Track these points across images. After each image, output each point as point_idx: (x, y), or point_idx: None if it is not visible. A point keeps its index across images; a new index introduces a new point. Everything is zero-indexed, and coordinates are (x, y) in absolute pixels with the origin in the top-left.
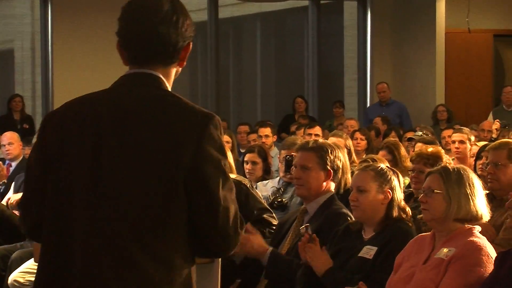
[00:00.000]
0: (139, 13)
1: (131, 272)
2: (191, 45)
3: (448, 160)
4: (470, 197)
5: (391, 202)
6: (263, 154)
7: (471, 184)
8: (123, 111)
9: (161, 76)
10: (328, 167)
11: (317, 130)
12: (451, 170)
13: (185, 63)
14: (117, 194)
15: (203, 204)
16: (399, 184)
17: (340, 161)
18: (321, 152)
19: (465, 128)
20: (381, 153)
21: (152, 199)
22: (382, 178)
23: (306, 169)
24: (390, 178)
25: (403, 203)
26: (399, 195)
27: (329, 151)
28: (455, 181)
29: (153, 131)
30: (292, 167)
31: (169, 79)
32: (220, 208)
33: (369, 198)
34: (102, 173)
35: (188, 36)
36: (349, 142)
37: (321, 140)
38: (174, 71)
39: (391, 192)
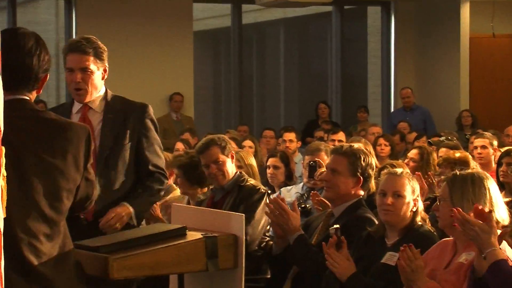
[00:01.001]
0: (9, 46)
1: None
2: (48, 77)
3: (475, 166)
4: (472, 201)
5: (417, 209)
6: (286, 159)
7: (477, 189)
8: (26, 131)
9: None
10: (358, 174)
11: (341, 136)
12: (458, 176)
13: (41, 91)
14: (38, 198)
15: (87, 191)
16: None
17: (373, 169)
18: (353, 158)
19: (487, 133)
20: (412, 151)
21: (63, 205)
22: (414, 185)
23: (335, 172)
24: (416, 185)
25: (423, 212)
26: (421, 203)
27: (362, 158)
28: (459, 187)
29: (58, 146)
30: (316, 172)
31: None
32: (95, 191)
33: (405, 204)
34: (25, 183)
35: (46, 69)
36: (369, 148)
37: (356, 145)
38: (34, 97)
39: (418, 200)
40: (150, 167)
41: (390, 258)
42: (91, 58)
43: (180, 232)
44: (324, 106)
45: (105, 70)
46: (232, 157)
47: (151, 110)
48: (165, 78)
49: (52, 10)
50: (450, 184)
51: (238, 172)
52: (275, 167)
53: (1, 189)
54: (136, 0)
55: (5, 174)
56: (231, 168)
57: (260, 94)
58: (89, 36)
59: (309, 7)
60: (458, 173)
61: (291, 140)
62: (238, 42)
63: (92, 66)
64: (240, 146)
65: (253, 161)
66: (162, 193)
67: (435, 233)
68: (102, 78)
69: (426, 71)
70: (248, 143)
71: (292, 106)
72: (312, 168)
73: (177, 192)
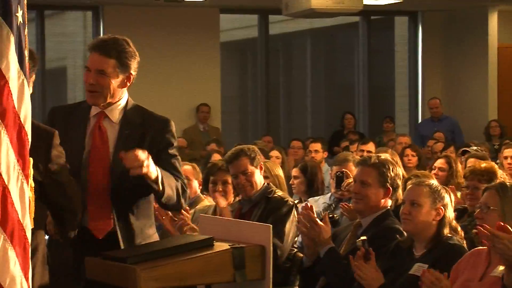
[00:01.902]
0: None
1: None
2: None
3: (502, 176)
4: None
5: (443, 219)
6: (305, 169)
7: None
8: None
9: None
10: (388, 185)
11: (371, 146)
12: (508, 186)
13: None
14: None
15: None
16: (450, 202)
17: (400, 179)
18: (382, 168)
19: None
20: (439, 161)
21: None
22: (435, 194)
23: (365, 184)
24: (443, 195)
25: (454, 222)
26: (451, 213)
27: (390, 169)
28: (511, 197)
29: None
30: (343, 183)
31: None
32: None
33: (422, 212)
34: None
35: None
36: (396, 158)
37: (383, 156)
38: None
39: (443, 209)
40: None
41: (418, 269)
42: (112, 62)
43: (208, 243)
44: (350, 117)
45: (128, 78)
46: (261, 168)
47: (172, 125)
48: (192, 89)
49: (80, 22)
50: (500, 193)
51: (266, 184)
52: (295, 177)
53: (29, 200)
54: (164, 11)
55: (33, 185)
56: (259, 179)
57: (287, 104)
58: (120, 37)
59: (336, 17)
60: (508, 183)
61: (316, 151)
62: (265, 52)
63: (111, 71)
64: (267, 157)
65: (280, 172)
66: (185, 194)
67: (464, 244)
68: (123, 86)
69: (454, 81)
70: (275, 153)
71: (319, 116)
72: (339, 178)
73: (205, 202)
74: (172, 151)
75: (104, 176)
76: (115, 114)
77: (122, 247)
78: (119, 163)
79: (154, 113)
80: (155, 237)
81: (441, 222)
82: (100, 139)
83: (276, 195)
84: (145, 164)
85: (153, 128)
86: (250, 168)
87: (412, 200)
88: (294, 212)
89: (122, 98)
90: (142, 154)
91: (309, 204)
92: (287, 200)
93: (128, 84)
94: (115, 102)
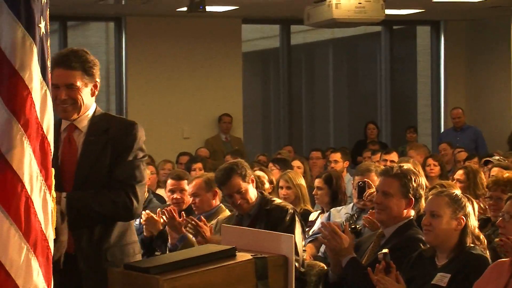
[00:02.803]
0: None
1: None
2: None
3: None
4: None
5: (465, 229)
6: (329, 180)
7: None
8: None
9: None
10: (410, 195)
11: (394, 156)
12: None
13: None
14: None
15: None
16: (473, 211)
17: (423, 189)
18: (404, 179)
19: None
20: (458, 172)
21: None
22: (456, 204)
23: (387, 195)
24: (465, 204)
25: (477, 230)
26: (473, 222)
27: (413, 179)
28: None
29: None
30: (365, 193)
31: None
32: None
33: (442, 223)
34: None
35: None
36: (418, 168)
37: (405, 166)
38: None
39: (464, 219)
40: (112, 182)
41: (440, 279)
42: (78, 74)
43: (230, 253)
44: (373, 127)
45: (95, 86)
46: (253, 181)
47: (137, 128)
48: (214, 99)
49: (102, 33)
50: None
51: (259, 193)
52: (319, 188)
53: (51, 211)
54: (185, 22)
55: (54, 195)
56: (253, 193)
57: (309, 114)
58: (79, 48)
59: (358, 27)
60: None
61: (336, 161)
62: (287, 62)
63: (79, 83)
64: (290, 167)
65: (302, 182)
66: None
67: (487, 254)
68: (92, 95)
69: (477, 91)
70: (296, 163)
71: (341, 126)
72: (361, 188)
73: (226, 213)
74: (131, 156)
75: (70, 183)
76: (84, 123)
77: (82, 253)
78: (82, 170)
79: (123, 118)
80: (135, 247)
81: (463, 231)
82: (69, 150)
83: (273, 204)
84: None
85: (117, 132)
86: (243, 185)
87: (431, 211)
88: (296, 218)
89: (90, 107)
90: None
91: (331, 215)
92: (287, 208)
93: (96, 92)
94: (84, 113)
